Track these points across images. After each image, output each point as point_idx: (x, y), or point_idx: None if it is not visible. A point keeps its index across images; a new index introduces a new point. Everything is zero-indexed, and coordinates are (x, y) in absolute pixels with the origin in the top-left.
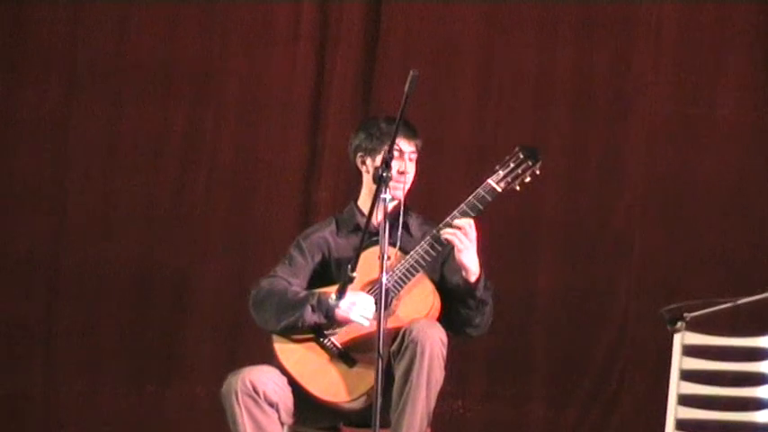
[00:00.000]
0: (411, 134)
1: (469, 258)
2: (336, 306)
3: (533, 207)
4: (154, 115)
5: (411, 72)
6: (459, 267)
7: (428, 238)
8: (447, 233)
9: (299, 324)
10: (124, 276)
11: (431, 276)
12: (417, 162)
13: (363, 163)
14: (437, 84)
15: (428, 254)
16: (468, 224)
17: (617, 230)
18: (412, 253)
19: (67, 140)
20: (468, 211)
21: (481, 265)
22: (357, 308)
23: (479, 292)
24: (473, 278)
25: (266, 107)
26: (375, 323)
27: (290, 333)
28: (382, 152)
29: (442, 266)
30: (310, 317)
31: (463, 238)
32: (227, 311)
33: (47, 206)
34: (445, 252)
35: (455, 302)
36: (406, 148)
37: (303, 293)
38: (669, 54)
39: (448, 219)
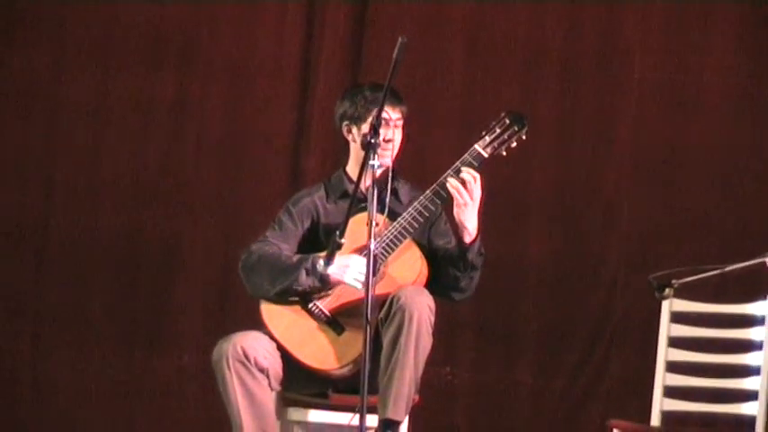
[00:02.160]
0: (397, 101)
1: (468, 216)
2: (326, 270)
3: (522, 175)
4: (142, 84)
5: (400, 39)
6: (449, 230)
7: (416, 203)
8: (451, 184)
9: (294, 288)
10: (112, 245)
11: (419, 241)
12: (404, 128)
13: (350, 131)
14: (426, 51)
15: (416, 220)
16: (473, 179)
17: (606, 198)
18: (400, 219)
19: (55, 110)
20: (454, 177)
21: (479, 229)
22: (350, 270)
23: (471, 255)
24: (468, 239)
25: (255, 74)
26: (363, 289)
27: (283, 297)
28: (368, 120)
29: (429, 230)
30: (305, 280)
31: (464, 193)
32: (216, 279)
33: (34, 177)
34: (434, 216)
35: (443, 263)
36: (392, 115)
37: (296, 257)
38: (658, 22)
39: (435, 184)
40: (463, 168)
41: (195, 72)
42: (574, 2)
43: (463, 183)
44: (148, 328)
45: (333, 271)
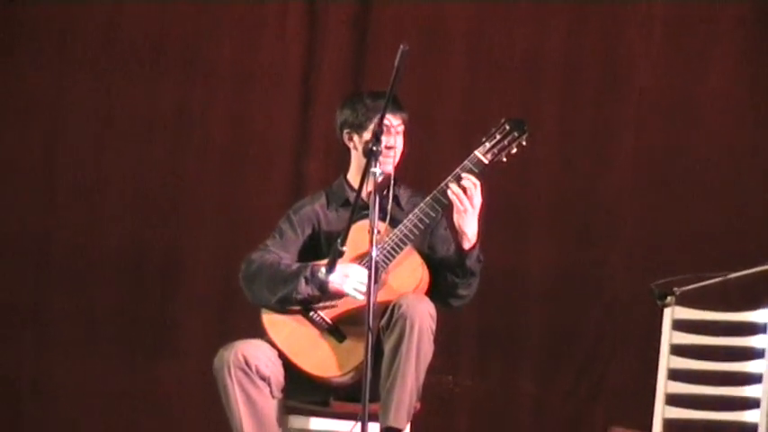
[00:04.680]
0: (397, 108)
1: (468, 223)
2: (328, 279)
3: (524, 183)
4: (144, 91)
5: (401, 47)
6: (449, 236)
7: (416, 210)
8: (452, 190)
9: (293, 296)
10: (115, 253)
11: (419, 248)
12: (405, 135)
13: (351, 139)
14: (428, 58)
15: (416, 227)
16: (473, 185)
17: (607, 206)
18: (400, 226)
19: (58, 118)
20: (455, 183)
21: (478, 236)
22: (350, 280)
23: (470, 261)
24: (467, 245)
25: (257, 82)
26: (365, 297)
27: (283, 306)
28: (369, 127)
29: (429, 236)
30: (304, 289)
31: (465, 200)
32: (218, 286)
33: (37, 185)
34: (434, 222)
35: (442, 270)
36: (393, 122)
37: (296, 266)
38: (659, 30)
39: (435, 191)
40: (464, 175)
41: (197, 79)
42: (575, 9)
43: (464, 189)
44: (150, 336)
45: (333, 280)
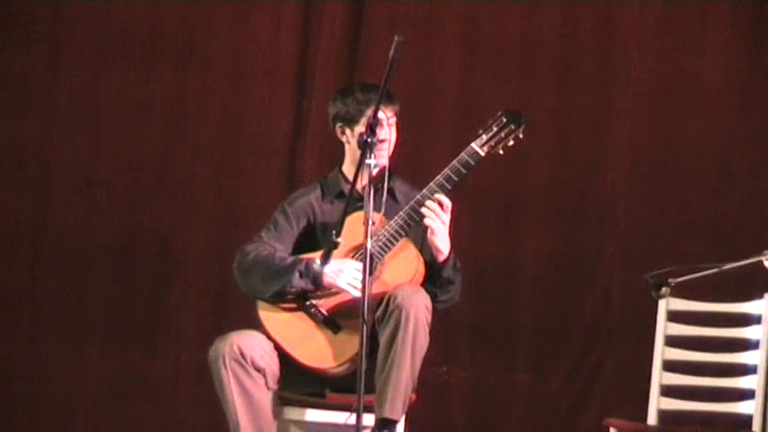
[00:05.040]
0: (389, 100)
1: (441, 240)
2: (322, 271)
3: (519, 174)
4: (138, 81)
5: (396, 38)
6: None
7: (412, 202)
8: (425, 212)
9: (287, 290)
10: (109, 243)
11: (415, 242)
12: (398, 126)
13: (344, 132)
14: (422, 50)
15: (412, 218)
16: (443, 203)
17: (602, 197)
18: (396, 218)
19: (51, 109)
20: (452, 175)
21: (452, 244)
22: (344, 275)
23: (446, 272)
24: (441, 258)
25: (251, 73)
26: (359, 292)
27: (277, 299)
28: (361, 120)
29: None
30: (298, 282)
31: (436, 219)
32: (213, 277)
33: (30, 175)
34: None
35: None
36: (386, 113)
37: (290, 259)
38: (654, 20)
39: (432, 183)
40: (433, 197)
41: (192, 71)
42: (569, 0)
43: (440, 204)
44: (145, 327)
45: (327, 275)
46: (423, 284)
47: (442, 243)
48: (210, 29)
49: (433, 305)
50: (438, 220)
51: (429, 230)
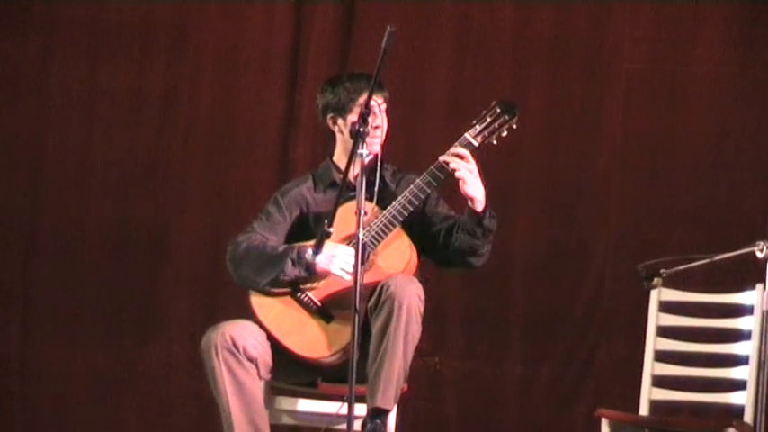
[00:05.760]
0: (379, 88)
1: (476, 187)
2: (315, 260)
3: (511, 165)
4: (131, 74)
5: (388, 28)
6: (444, 209)
7: (406, 192)
8: (453, 162)
9: (280, 278)
10: (101, 234)
11: (413, 226)
12: (388, 114)
13: (335, 123)
14: (415, 40)
15: (405, 209)
16: (461, 153)
17: (594, 188)
18: (389, 208)
19: (44, 100)
20: (445, 165)
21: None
22: (337, 260)
23: (486, 221)
24: (480, 207)
25: (244, 64)
26: (352, 278)
27: (270, 288)
28: (353, 109)
29: (424, 210)
30: (291, 270)
31: (463, 168)
32: (205, 268)
33: (23, 166)
34: (422, 203)
35: (457, 234)
36: (376, 100)
37: (282, 247)
38: (647, 12)
39: (425, 173)
40: (454, 151)
41: (184, 62)
42: None
43: (459, 157)
44: (137, 317)
45: (320, 261)
46: (461, 242)
47: (476, 191)
48: (203, 20)
49: (470, 260)
50: (464, 167)
51: (461, 181)
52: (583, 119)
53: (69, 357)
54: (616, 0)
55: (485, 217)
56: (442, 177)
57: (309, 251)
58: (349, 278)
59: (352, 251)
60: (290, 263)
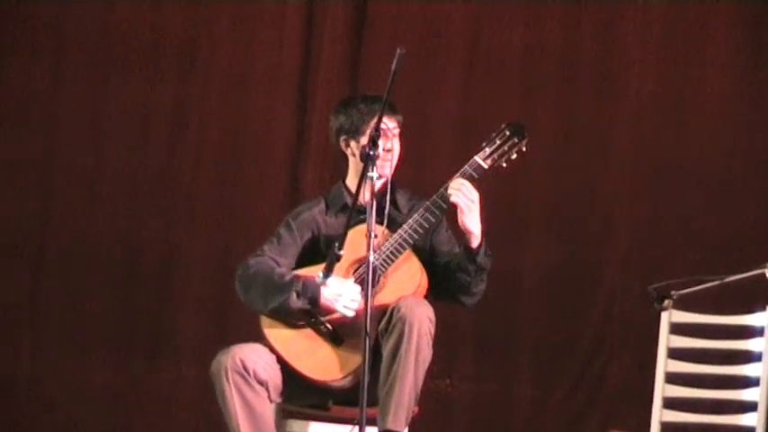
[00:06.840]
0: (392, 111)
1: (473, 221)
2: (323, 287)
3: (520, 186)
4: (141, 91)
5: (398, 50)
6: (451, 237)
7: (416, 215)
8: (452, 192)
9: (285, 308)
10: (110, 255)
11: (420, 250)
12: (401, 138)
13: (348, 145)
14: (424, 59)
15: (416, 231)
16: (466, 185)
17: (604, 209)
18: (399, 231)
19: (54, 116)
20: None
21: (482, 232)
22: (343, 299)
23: (480, 258)
24: (475, 243)
25: (253, 84)
26: (363, 302)
27: (277, 315)
28: (366, 132)
29: (431, 238)
30: (295, 302)
31: (465, 199)
32: (215, 290)
33: (32, 185)
34: (433, 227)
35: (452, 271)
36: (389, 125)
37: (288, 277)
38: (656, 31)
39: (435, 196)
40: (454, 181)
41: (194, 81)
42: (571, 10)
43: (458, 189)
44: (147, 339)
45: (325, 297)
46: (451, 278)
47: (473, 224)
48: (212, 39)
49: (462, 300)
50: (464, 196)
51: (459, 210)
52: (592, 138)
53: (79, 379)
54: (625, 21)
55: (479, 254)
56: (445, 207)
57: (320, 274)
58: (353, 314)
59: (359, 288)
60: (294, 295)
